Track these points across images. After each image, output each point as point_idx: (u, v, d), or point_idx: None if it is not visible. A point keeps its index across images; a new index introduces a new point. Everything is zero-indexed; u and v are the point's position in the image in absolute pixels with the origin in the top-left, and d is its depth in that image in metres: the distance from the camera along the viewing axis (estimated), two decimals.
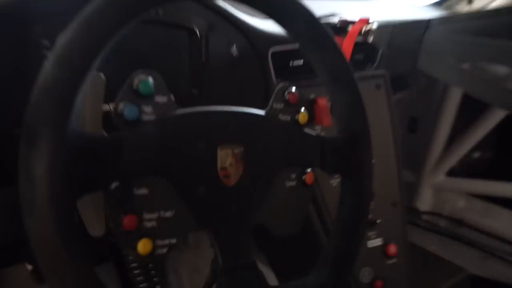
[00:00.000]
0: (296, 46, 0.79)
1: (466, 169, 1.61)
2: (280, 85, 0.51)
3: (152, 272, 0.54)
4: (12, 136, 0.53)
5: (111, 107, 0.56)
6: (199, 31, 0.62)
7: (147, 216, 0.41)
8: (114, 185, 0.38)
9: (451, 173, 1.59)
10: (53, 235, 0.32)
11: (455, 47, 0.63)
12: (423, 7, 1.28)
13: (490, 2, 1.23)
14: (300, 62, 0.80)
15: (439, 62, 0.65)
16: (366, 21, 0.76)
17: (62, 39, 0.34)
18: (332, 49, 0.51)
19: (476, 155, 1.60)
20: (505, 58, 0.58)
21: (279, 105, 0.50)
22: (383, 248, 0.85)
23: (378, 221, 0.84)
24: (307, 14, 0.50)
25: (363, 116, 0.53)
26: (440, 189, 1.60)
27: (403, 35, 0.69)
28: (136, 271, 0.53)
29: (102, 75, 0.40)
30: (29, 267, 1.03)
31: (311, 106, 0.81)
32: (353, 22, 0.77)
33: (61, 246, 0.32)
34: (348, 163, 0.52)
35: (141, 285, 0.53)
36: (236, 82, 0.72)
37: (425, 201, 1.62)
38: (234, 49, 0.70)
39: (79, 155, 0.34)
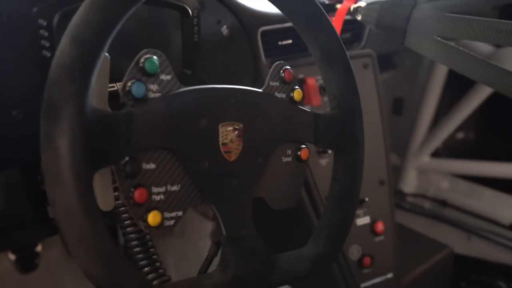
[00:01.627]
0: (285, 25, 0.83)
1: (450, 150, 1.69)
2: (276, 63, 0.56)
3: (152, 249, 0.59)
4: (9, 118, 0.56)
5: (118, 86, 0.60)
6: (191, 10, 0.66)
7: (155, 189, 0.45)
8: (124, 160, 0.42)
9: (436, 154, 1.67)
10: (77, 204, 0.36)
11: (441, 24, 0.68)
12: None
13: None
14: (289, 41, 0.84)
15: (426, 40, 0.70)
16: None
17: (77, 19, 0.38)
18: (326, 28, 0.56)
19: (460, 135, 1.69)
20: (489, 35, 0.64)
21: (275, 83, 0.55)
22: (371, 226, 0.91)
23: (366, 199, 0.90)
24: None
25: (356, 93, 0.58)
26: (425, 171, 1.68)
27: (391, 13, 0.74)
28: (136, 248, 0.57)
29: (107, 54, 0.44)
30: (12, 256, 1.06)
31: (300, 86, 0.86)
32: (341, 0, 0.82)
33: (84, 213, 0.36)
34: (341, 138, 0.58)
35: (141, 263, 0.57)
36: (227, 61, 0.76)
37: (410, 183, 1.69)
38: (224, 29, 0.74)
39: (96, 131, 0.38)
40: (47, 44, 0.56)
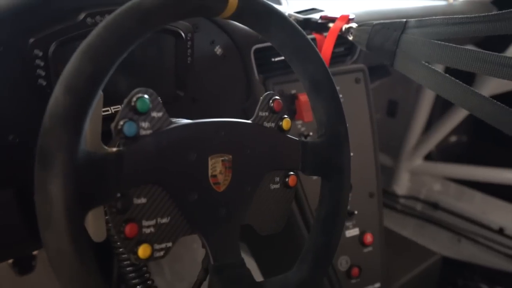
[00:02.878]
0: None
1: (442, 153, 1.72)
2: (266, 93, 0.57)
3: (146, 275, 0.61)
4: (6, 142, 0.58)
5: (111, 109, 0.62)
6: (184, 33, 0.67)
7: (145, 223, 0.47)
8: (115, 197, 0.44)
9: (428, 157, 1.69)
10: (68, 248, 0.38)
11: (429, 50, 0.70)
12: None
13: None
14: (282, 58, 0.85)
15: (413, 64, 0.72)
16: (346, 18, 0.82)
17: (70, 68, 0.39)
18: (313, 59, 0.58)
19: (453, 139, 1.71)
20: (472, 65, 0.65)
21: (264, 113, 0.57)
22: (360, 237, 0.94)
23: (355, 212, 0.92)
24: (290, 25, 0.56)
25: (343, 121, 0.60)
26: (417, 173, 1.70)
27: (381, 36, 0.75)
28: (131, 274, 0.60)
29: (100, 92, 0.46)
30: (9, 260, 1.09)
31: (292, 102, 0.87)
32: (334, 19, 0.83)
33: (76, 257, 0.38)
34: (327, 166, 0.59)
35: (134, 281, 0.60)
36: (220, 79, 0.78)
37: (402, 185, 1.72)
38: (218, 49, 0.75)
39: (87, 174, 0.40)
40: (43, 73, 0.57)
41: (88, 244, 0.40)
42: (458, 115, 1.56)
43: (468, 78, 1.46)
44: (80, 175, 0.39)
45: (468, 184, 1.60)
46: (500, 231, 1.46)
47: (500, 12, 0.64)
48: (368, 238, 0.94)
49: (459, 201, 1.60)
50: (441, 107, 1.64)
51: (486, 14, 0.65)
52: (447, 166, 1.67)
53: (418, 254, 1.19)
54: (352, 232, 0.93)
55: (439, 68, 1.34)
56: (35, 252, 1.12)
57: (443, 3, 1.28)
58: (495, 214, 1.50)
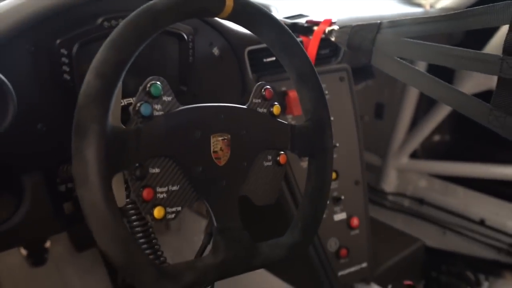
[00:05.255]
0: None
1: (427, 151, 1.79)
2: (258, 83, 0.66)
3: (154, 240, 0.69)
4: (35, 130, 0.65)
5: (124, 101, 0.70)
6: (186, 35, 0.76)
7: (159, 189, 0.55)
8: (134, 166, 0.53)
9: (414, 155, 1.77)
10: (101, 200, 0.46)
11: (400, 47, 0.78)
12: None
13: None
14: (273, 58, 0.94)
15: (388, 60, 0.80)
16: (329, 22, 0.91)
17: (99, 57, 0.48)
18: (299, 55, 0.67)
19: (436, 138, 1.79)
20: (438, 59, 0.74)
21: (257, 100, 0.65)
22: (347, 221, 1.01)
23: (342, 197, 1.00)
24: (279, 26, 0.65)
25: (325, 107, 0.69)
26: (404, 171, 1.77)
27: (359, 36, 0.84)
28: (141, 240, 0.67)
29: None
30: (24, 252, 1.16)
31: (283, 98, 0.95)
32: (318, 23, 0.93)
33: (106, 207, 0.46)
34: (313, 146, 0.68)
35: (146, 251, 0.67)
36: (218, 77, 0.86)
37: (390, 183, 1.79)
38: (215, 50, 0.84)
39: (113, 144, 0.49)
40: (68, 70, 0.65)
41: (115, 200, 0.49)
42: (440, 115, 1.64)
43: (449, 75, 1.55)
44: (108, 144, 0.47)
45: (452, 180, 1.67)
46: (481, 222, 1.54)
47: (459, 11, 0.74)
48: (355, 221, 1.01)
49: (443, 196, 1.67)
50: (425, 109, 1.72)
51: (447, 14, 0.75)
52: (431, 163, 1.74)
53: (402, 241, 1.26)
54: (340, 216, 1.01)
55: (423, 65, 1.44)
56: (47, 245, 1.19)
57: (421, 10, 1.37)
58: (476, 207, 1.57)
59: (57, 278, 1.24)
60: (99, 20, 0.68)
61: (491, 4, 0.69)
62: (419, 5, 1.44)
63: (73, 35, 0.66)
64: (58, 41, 0.64)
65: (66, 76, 0.66)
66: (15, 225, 0.68)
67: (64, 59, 0.65)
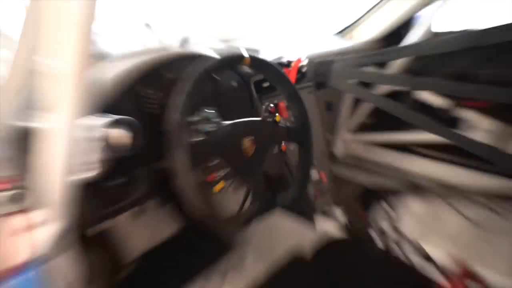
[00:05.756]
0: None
1: (362, 129, 1.82)
2: (266, 103, 0.70)
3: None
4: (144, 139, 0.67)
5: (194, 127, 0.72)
6: (218, 77, 0.79)
7: (216, 174, 0.60)
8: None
9: (355, 131, 1.79)
10: (188, 183, 0.51)
11: (348, 73, 0.84)
12: (333, 35, 1.45)
13: (368, 35, 1.41)
14: (267, 84, 0.97)
15: (341, 82, 0.85)
16: (300, 60, 0.95)
17: (176, 102, 0.52)
18: (288, 84, 0.71)
19: (368, 120, 1.81)
20: (374, 79, 0.79)
21: (266, 114, 0.70)
22: (319, 176, 1.06)
23: (315, 163, 1.05)
24: (275, 69, 0.69)
25: (306, 115, 0.73)
26: (349, 142, 1.79)
27: (321, 67, 0.89)
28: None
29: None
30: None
31: (276, 106, 0.99)
32: (293, 61, 0.96)
33: (191, 185, 0.51)
34: (300, 138, 0.73)
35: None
36: (236, 100, 0.90)
37: (339, 150, 1.80)
38: (234, 83, 0.87)
39: (190, 150, 0.53)
40: (155, 105, 0.68)
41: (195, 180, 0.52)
42: (367, 108, 1.65)
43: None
44: (186, 152, 0.52)
45: (377, 145, 1.69)
46: (392, 167, 1.56)
47: (378, 51, 0.78)
48: (324, 178, 1.06)
49: (376, 156, 1.68)
50: (356, 104, 1.72)
51: (371, 52, 0.79)
52: (363, 135, 1.76)
53: (349, 184, 1.29)
54: (315, 175, 1.06)
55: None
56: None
57: (352, 43, 1.39)
58: (400, 162, 1.60)
59: (152, 224, 1.22)
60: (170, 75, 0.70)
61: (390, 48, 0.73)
62: (350, 38, 1.45)
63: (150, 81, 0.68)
64: (143, 89, 0.67)
65: (154, 110, 0.69)
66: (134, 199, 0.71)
67: (151, 98, 0.68)
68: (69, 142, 0.47)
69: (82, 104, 0.45)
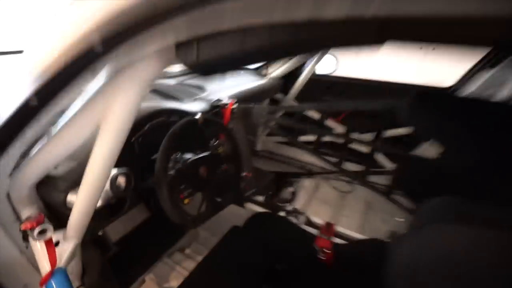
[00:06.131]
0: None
1: (274, 133, 1.89)
2: (212, 139, 0.86)
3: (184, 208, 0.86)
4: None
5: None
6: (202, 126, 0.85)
7: (185, 193, 0.75)
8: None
9: (268, 135, 1.99)
10: (169, 208, 0.65)
11: (262, 110, 1.05)
12: (252, 70, 1.58)
13: (277, 69, 1.61)
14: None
15: (258, 116, 1.05)
16: (232, 103, 1.12)
17: (159, 155, 0.66)
18: (225, 130, 0.88)
19: (276, 128, 1.94)
20: (281, 108, 0.96)
21: (213, 145, 0.86)
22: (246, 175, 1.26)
23: (244, 168, 1.23)
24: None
25: (238, 147, 0.92)
26: (265, 142, 1.96)
27: (247, 109, 1.07)
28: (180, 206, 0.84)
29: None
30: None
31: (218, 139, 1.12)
32: (228, 103, 1.12)
33: (172, 209, 0.66)
34: (234, 160, 0.93)
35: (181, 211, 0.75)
36: (193, 140, 0.90)
37: (259, 147, 1.99)
38: (201, 119, 0.88)
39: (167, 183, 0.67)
40: (139, 150, 0.81)
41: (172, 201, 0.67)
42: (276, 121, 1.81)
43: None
44: (165, 184, 0.66)
45: (282, 143, 1.91)
46: (295, 159, 1.85)
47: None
48: (247, 174, 1.26)
49: (284, 151, 1.91)
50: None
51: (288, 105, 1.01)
52: (275, 137, 1.95)
53: (265, 174, 1.56)
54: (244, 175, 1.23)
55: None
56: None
57: (264, 81, 1.51)
58: (297, 154, 1.84)
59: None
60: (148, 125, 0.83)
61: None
62: (265, 74, 1.62)
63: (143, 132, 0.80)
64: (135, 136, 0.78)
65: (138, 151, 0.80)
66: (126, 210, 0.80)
67: (137, 144, 0.81)
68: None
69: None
